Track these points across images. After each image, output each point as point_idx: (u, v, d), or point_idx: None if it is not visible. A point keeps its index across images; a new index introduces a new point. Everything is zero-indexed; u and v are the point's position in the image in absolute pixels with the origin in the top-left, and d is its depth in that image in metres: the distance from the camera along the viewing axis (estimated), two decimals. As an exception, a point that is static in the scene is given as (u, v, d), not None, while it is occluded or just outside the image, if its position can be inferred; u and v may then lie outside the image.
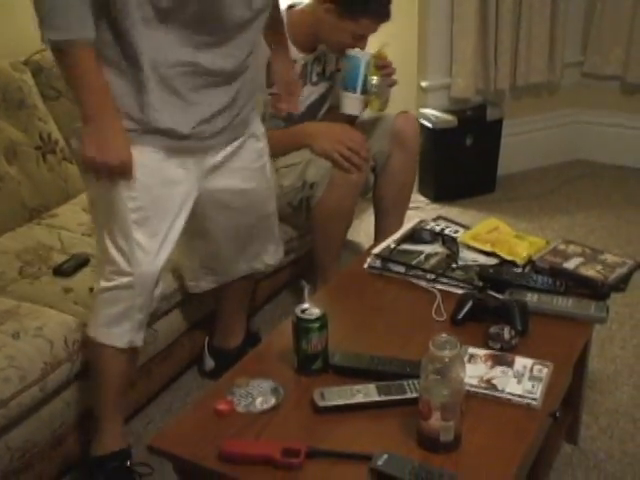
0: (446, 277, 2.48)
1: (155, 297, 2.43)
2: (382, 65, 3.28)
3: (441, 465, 1.73)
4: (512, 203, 4.76)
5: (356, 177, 3.09)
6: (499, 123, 4.79)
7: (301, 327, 2.04)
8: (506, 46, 4.69)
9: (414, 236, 2.70)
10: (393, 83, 3.37)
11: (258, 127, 2.66)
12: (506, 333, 2.14)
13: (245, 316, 3.19)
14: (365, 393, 1.94)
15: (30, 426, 2.41)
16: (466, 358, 2.05)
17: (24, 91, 3.18)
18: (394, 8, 3.18)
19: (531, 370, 2.03)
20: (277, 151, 3.27)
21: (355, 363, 2.07)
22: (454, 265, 2.54)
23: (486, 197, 4.85)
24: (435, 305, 2.37)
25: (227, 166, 2.53)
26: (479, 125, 4.71)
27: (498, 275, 2.46)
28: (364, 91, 3.22)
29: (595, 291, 2.41)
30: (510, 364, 2.05)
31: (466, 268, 2.53)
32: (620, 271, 2.47)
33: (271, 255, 2.92)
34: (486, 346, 2.15)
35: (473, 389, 1.95)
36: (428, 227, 2.77)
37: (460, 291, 2.41)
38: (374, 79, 3.24)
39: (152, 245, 2.34)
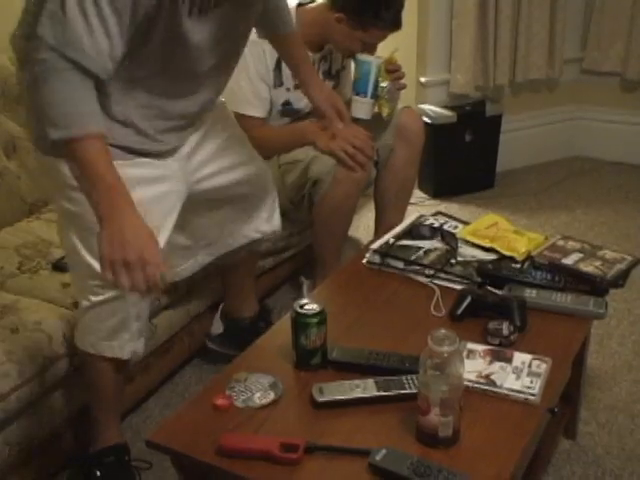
0: (445, 273, 2.48)
1: (151, 301, 2.42)
2: (392, 69, 3.30)
3: (439, 460, 1.73)
4: (511, 199, 4.76)
5: (359, 175, 3.09)
6: (498, 119, 4.79)
7: (300, 322, 2.04)
8: (505, 42, 4.69)
9: (413, 231, 2.70)
10: (403, 87, 3.41)
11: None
12: (505, 329, 2.14)
13: (253, 287, 3.20)
14: (364, 388, 1.94)
15: (29, 421, 2.41)
16: (465, 354, 2.05)
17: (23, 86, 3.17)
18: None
19: (530, 366, 2.03)
20: (281, 148, 3.28)
21: (354, 358, 2.07)
22: (453, 261, 2.53)
23: (485, 193, 4.85)
24: (434, 300, 2.37)
25: (204, 153, 2.51)
26: (478, 121, 4.71)
27: (497, 271, 2.46)
28: (374, 95, 3.24)
29: (594, 287, 2.41)
30: (509, 360, 2.05)
31: (465, 264, 2.53)
32: (619, 267, 2.47)
33: (264, 222, 2.90)
34: (485, 342, 2.15)
35: (472, 384, 1.95)
36: (427, 223, 2.78)
37: (459, 287, 2.41)
38: (385, 84, 3.26)
39: None
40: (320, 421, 1.90)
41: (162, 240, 2.26)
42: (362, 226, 4.27)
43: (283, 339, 2.13)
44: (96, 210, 1.84)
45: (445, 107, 4.67)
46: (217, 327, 3.22)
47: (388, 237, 2.66)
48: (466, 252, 2.59)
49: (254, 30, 2.54)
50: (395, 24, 3.18)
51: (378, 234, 2.93)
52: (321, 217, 3.26)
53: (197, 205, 2.58)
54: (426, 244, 2.63)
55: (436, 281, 2.47)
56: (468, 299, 2.29)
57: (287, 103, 3.30)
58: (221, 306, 3.22)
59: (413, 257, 2.55)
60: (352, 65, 3.46)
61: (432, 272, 2.49)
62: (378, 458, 1.71)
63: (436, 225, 2.75)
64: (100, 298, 2.29)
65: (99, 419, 2.52)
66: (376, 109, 3.32)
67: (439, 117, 4.57)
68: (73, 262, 2.36)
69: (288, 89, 3.23)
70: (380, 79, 3.25)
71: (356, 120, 3.17)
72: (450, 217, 2.88)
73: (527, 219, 4.45)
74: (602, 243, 2.75)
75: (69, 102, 1.81)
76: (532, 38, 4.80)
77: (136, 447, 2.59)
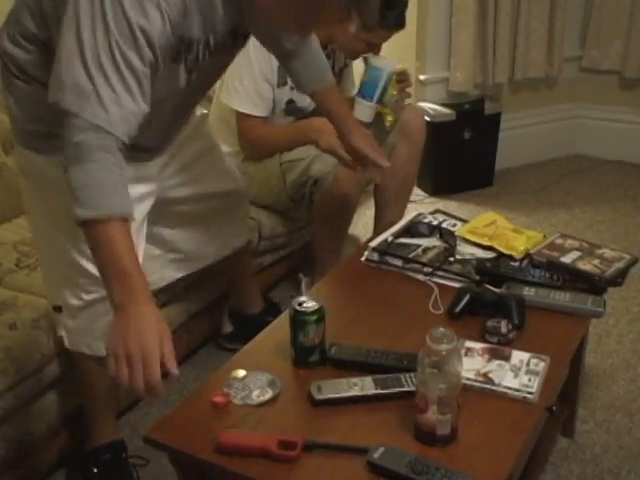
0: (443, 271, 2.48)
1: None
2: (401, 79, 3.31)
3: (437, 458, 1.73)
4: (510, 197, 4.76)
5: (360, 174, 3.09)
6: (497, 117, 4.79)
7: (298, 320, 2.04)
8: (504, 40, 4.69)
9: (412, 229, 2.70)
10: (408, 96, 3.41)
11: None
12: (503, 327, 2.14)
13: (254, 286, 3.24)
14: (362, 386, 1.94)
15: (26, 418, 2.41)
16: (463, 352, 2.05)
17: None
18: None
19: (528, 364, 2.03)
20: (282, 146, 3.27)
21: (352, 356, 2.07)
22: (451, 259, 2.53)
23: (484, 191, 4.85)
24: (432, 298, 2.37)
25: (177, 162, 2.51)
26: (477, 119, 4.71)
27: (495, 269, 2.46)
28: (379, 101, 3.24)
29: (592, 285, 2.41)
30: (507, 358, 2.05)
31: (463, 262, 2.52)
32: (617, 265, 2.47)
33: (235, 237, 2.92)
34: (483, 340, 2.15)
35: (470, 383, 1.95)
36: (426, 220, 2.77)
37: (457, 285, 2.41)
38: (394, 95, 3.26)
39: None
40: (318, 419, 1.90)
41: (142, 243, 2.31)
42: (361, 223, 4.27)
43: (281, 337, 2.13)
44: (110, 296, 1.77)
45: (444, 105, 4.68)
46: (227, 327, 3.26)
47: (387, 235, 2.66)
48: (465, 250, 2.59)
49: None
50: (399, 24, 3.19)
51: (377, 231, 2.93)
52: (321, 216, 3.27)
53: (168, 216, 2.58)
54: (425, 242, 2.63)
55: (434, 279, 2.47)
56: (466, 297, 2.28)
57: (291, 102, 3.30)
58: (227, 305, 3.24)
59: (412, 255, 2.55)
60: (353, 64, 3.47)
61: (430, 270, 2.49)
62: (376, 456, 1.71)
63: (435, 223, 2.75)
64: (92, 297, 2.28)
65: (94, 417, 2.53)
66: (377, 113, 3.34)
67: (438, 115, 4.57)
68: (57, 262, 2.32)
69: (292, 88, 3.23)
70: (390, 88, 3.25)
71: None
72: (449, 215, 2.88)
73: (526, 217, 4.46)
74: (600, 241, 2.76)
75: (98, 184, 1.77)
76: (531, 36, 4.80)
77: (133, 444, 2.59)
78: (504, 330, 2.14)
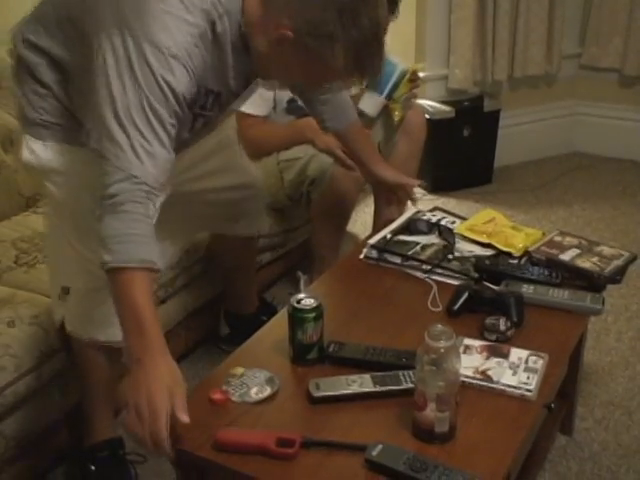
0: (442, 268, 2.48)
1: None
2: (413, 79, 3.31)
3: (436, 456, 1.73)
4: (509, 194, 4.76)
5: (358, 174, 3.09)
6: (496, 114, 4.79)
7: (297, 317, 2.04)
8: (504, 37, 4.69)
9: (410, 227, 2.70)
10: (415, 96, 3.41)
11: None
12: (502, 324, 2.14)
13: (253, 284, 3.24)
14: (360, 383, 1.94)
15: (25, 415, 2.41)
16: (461, 349, 2.05)
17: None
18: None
19: (526, 361, 2.03)
20: (280, 145, 3.28)
21: (351, 353, 2.07)
22: (450, 256, 2.53)
23: (483, 188, 4.85)
24: (431, 296, 2.37)
25: (189, 157, 2.51)
26: (476, 116, 4.71)
27: (494, 266, 2.46)
28: (388, 97, 3.24)
29: (591, 283, 2.41)
30: (505, 355, 2.05)
31: (462, 259, 2.52)
32: (616, 263, 2.47)
33: (243, 227, 2.91)
34: (482, 337, 2.15)
35: (468, 380, 1.95)
36: (425, 218, 2.77)
37: (456, 282, 2.41)
38: (405, 92, 3.26)
39: None
40: (316, 416, 1.90)
41: None
42: (360, 221, 4.27)
43: (280, 334, 2.13)
44: (127, 346, 1.83)
45: (443, 102, 4.68)
46: (224, 329, 3.26)
47: (386, 232, 2.66)
48: (463, 247, 2.59)
49: None
50: (390, 10, 3.16)
51: (376, 229, 2.93)
52: (319, 214, 3.27)
53: (178, 203, 2.58)
54: (423, 239, 2.63)
55: (433, 276, 2.47)
56: (465, 294, 2.28)
57: (292, 100, 3.30)
58: (223, 307, 3.23)
59: (410, 252, 2.55)
60: None
61: (429, 267, 2.49)
62: (374, 453, 1.71)
63: (433, 220, 2.75)
64: (94, 284, 2.28)
65: (92, 413, 2.54)
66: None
67: (437, 112, 4.57)
68: (59, 246, 2.36)
69: None
70: (401, 85, 3.25)
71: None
72: (448, 212, 2.88)
73: (525, 214, 4.46)
74: (599, 239, 2.76)
75: (127, 234, 1.84)
76: (531, 33, 4.81)
77: (132, 441, 2.58)
78: (503, 328, 2.14)
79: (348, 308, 2.35)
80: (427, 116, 4.36)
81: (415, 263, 2.52)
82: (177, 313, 3.00)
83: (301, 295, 2.07)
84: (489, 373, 1.99)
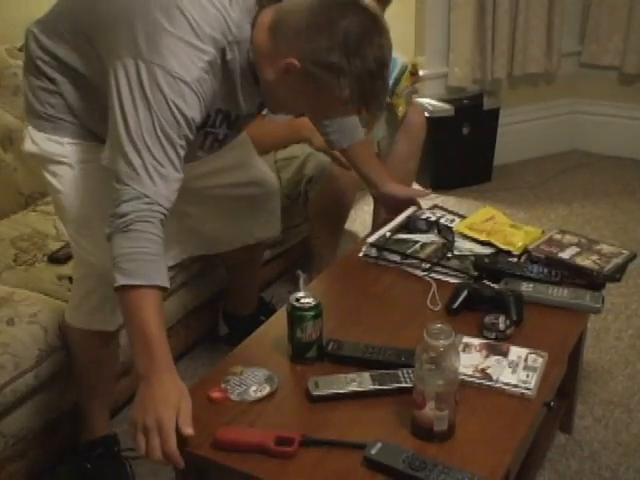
0: (441, 266, 2.48)
1: None
2: (413, 72, 3.31)
3: (435, 454, 1.73)
4: (508, 192, 4.76)
5: (355, 172, 3.09)
6: (496, 112, 4.79)
7: (296, 316, 2.03)
8: (503, 35, 4.69)
9: (410, 225, 2.69)
10: (416, 91, 3.42)
11: None
12: (501, 323, 2.14)
13: (256, 285, 3.26)
14: (359, 382, 1.93)
15: (25, 413, 2.41)
16: (461, 347, 2.05)
17: (20, 77, 3.16)
18: (391, -3, 3.18)
19: (526, 360, 2.03)
20: (277, 144, 3.28)
21: (350, 352, 2.06)
22: (449, 254, 2.53)
23: (482, 186, 4.86)
24: (430, 294, 2.36)
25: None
26: (476, 114, 4.71)
27: (493, 265, 2.45)
28: (391, 93, 3.23)
29: (590, 281, 2.41)
30: (505, 354, 2.05)
31: (461, 257, 2.52)
32: (616, 261, 2.47)
33: (260, 228, 2.92)
34: (481, 336, 2.14)
35: (467, 379, 1.95)
36: (424, 216, 2.77)
37: (455, 280, 2.41)
38: (407, 86, 3.26)
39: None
40: (316, 415, 1.89)
41: None
42: (359, 219, 4.27)
43: (279, 332, 2.12)
44: (135, 362, 1.86)
45: (443, 100, 4.68)
46: (222, 329, 3.28)
47: (385, 230, 2.66)
48: (463, 246, 2.59)
49: None
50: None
51: (375, 227, 2.93)
52: (317, 213, 3.28)
53: (194, 196, 2.57)
54: (423, 238, 2.63)
55: (432, 275, 2.46)
56: (464, 293, 2.28)
57: None
58: (221, 306, 3.25)
59: (409, 251, 2.55)
60: None
61: (428, 266, 2.48)
62: (373, 452, 1.71)
63: (433, 219, 2.75)
64: (83, 271, 2.37)
65: (88, 410, 2.56)
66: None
67: (437, 110, 4.58)
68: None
69: None
70: (403, 79, 3.25)
71: None
72: (447, 211, 2.88)
73: (524, 213, 4.46)
74: (599, 237, 2.76)
75: (138, 253, 1.88)
76: (530, 31, 4.81)
77: (130, 438, 2.58)
78: (502, 326, 2.13)
79: (347, 306, 2.35)
80: (426, 114, 4.37)
81: (414, 261, 2.51)
82: (176, 311, 3.00)
83: (300, 293, 2.07)
84: (488, 371, 1.99)
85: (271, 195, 2.88)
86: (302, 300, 2.04)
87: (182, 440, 1.75)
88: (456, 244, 2.59)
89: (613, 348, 3.22)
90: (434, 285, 2.41)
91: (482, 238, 2.60)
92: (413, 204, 2.82)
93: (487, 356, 2.04)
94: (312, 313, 2.02)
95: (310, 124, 3.10)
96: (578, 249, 2.53)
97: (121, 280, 1.86)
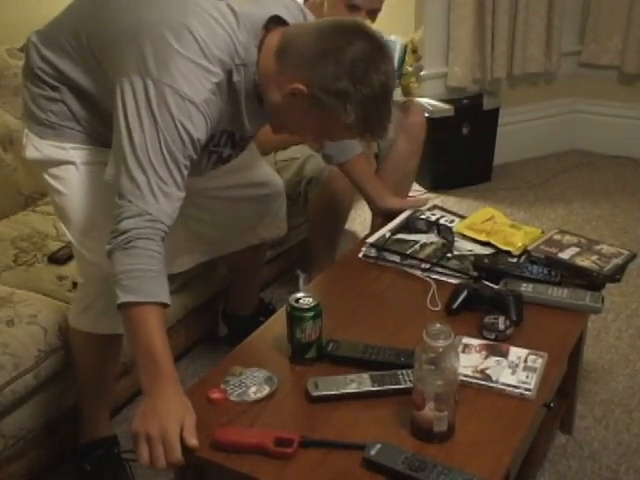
0: (441, 267, 2.47)
1: None
2: (414, 50, 3.31)
3: (434, 455, 1.73)
4: (508, 192, 4.76)
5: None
6: (496, 112, 4.79)
7: (295, 316, 2.03)
8: (503, 35, 4.69)
9: (409, 225, 2.69)
10: (421, 68, 3.43)
11: None
12: (501, 323, 2.14)
13: (257, 286, 3.27)
14: (359, 383, 1.93)
15: (24, 413, 2.41)
16: (460, 348, 2.05)
17: (20, 78, 3.16)
18: (390, -3, 3.17)
19: (525, 360, 2.02)
20: (277, 145, 3.27)
21: (349, 352, 2.06)
22: (449, 255, 2.53)
23: (482, 186, 4.85)
24: (430, 294, 2.36)
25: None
26: (476, 114, 4.71)
27: (493, 265, 2.45)
28: (399, 74, 3.23)
29: (590, 281, 2.41)
30: (504, 354, 2.05)
31: (461, 258, 2.52)
32: (616, 261, 2.47)
33: (265, 228, 2.92)
34: (480, 336, 2.14)
35: (467, 379, 1.95)
36: (423, 216, 2.77)
37: (455, 281, 2.41)
38: (413, 63, 3.26)
39: None
40: (315, 415, 1.89)
41: None
42: (359, 219, 4.27)
43: (278, 333, 2.12)
44: (140, 378, 1.87)
45: (442, 100, 4.68)
46: (222, 330, 3.28)
47: (384, 231, 2.66)
48: (462, 246, 2.59)
49: None
50: None
51: (374, 227, 2.93)
52: (315, 214, 3.28)
53: (199, 199, 2.57)
54: (422, 238, 2.63)
55: (432, 275, 2.46)
56: (464, 293, 2.28)
57: None
58: (221, 307, 3.25)
59: (409, 251, 2.55)
60: None
61: (428, 266, 2.48)
62: (373, 453, 1.71)
63: (432, 219, 2.75)
64: (89, 271, 2.36)
65: (88, 412, 2.55)
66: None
67: (436, 110, 4.57)
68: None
69: None
70: (407, 58, 3.25)
71: None
72: (446, 211, 2.88)
73: (524, 212, 4.46)
74: (599, 237, 2.76)
75: (140, 270, 1.89)
76: (530, 31, 4.81)
77: (129, 439, 2.58)
78: (502, 326, 2.13)
79: (347, 307, 2.35)
80: (426, 114, 4.37)
81: (414, 262, 2.51)
82: (176, 311, 2.99)
83: (300, 294, 2.07)
84: (488, 372, 1.98)
85: (276, 195, 2.88)
86: (301, 300, 2.04)
87: (185, 450, 1.75)
88: (456, 244, 2.59)
89: (613, 348, 3.22)
90: (434, 285, 2.41)
91: (482, 238, 2.60)
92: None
93: (487, 357, 2.04)
94: (311, 313, 2.02)
95: None
96: (578, 249, 2.53)
97: (123, 297, 1.87)
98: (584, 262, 2.45)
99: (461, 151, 4.76)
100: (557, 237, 2.61)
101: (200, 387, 2.00)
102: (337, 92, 1.96)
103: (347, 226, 3.69)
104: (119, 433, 2.62)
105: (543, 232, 2.67)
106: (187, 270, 2.86)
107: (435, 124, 4.44)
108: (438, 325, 1.75)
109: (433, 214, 2.80)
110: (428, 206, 2.89)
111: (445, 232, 2.64)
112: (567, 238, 2.60)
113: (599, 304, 2.30)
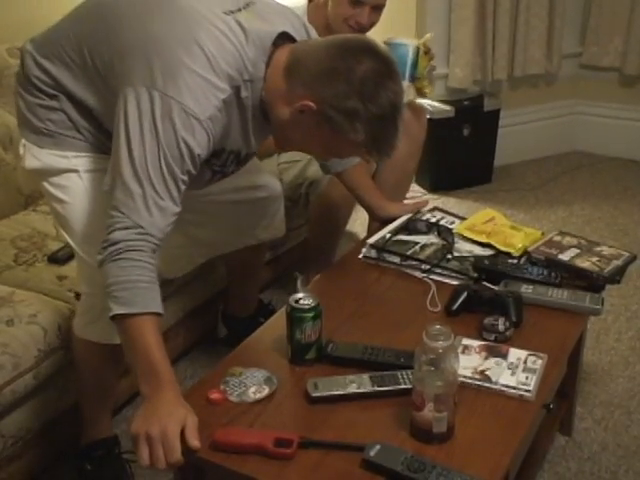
0: (441, 268, 2.48)
1: None
2: (427, 51, 3.31)
3: (434, 456, 1.73)
4: (508, 194, 4.76)
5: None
6: (496, 113, 4.79)
7: (295, 317, 2.03)
8: (504, 36, 4.69)
9: (409, 226, 2.69)
10: (433, 68, 3.42)
11: None
12: (500, 324, 2.14)
13: (256, 287, 3.26)
14: (358, 383, 1.94)
15: (23, 413, 2.41)
16: (460, 349, 2.05)
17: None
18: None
19: (525, 362, 2.03)
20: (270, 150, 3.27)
21: (349, 353, 2.06)
22: (449, 256, 2.53)
23: (483, 187, 4.85)
24: (430, 296, 2.36)
25: None
26: (476, 115, 4.71)
27: (493, 266, 2.45)
28: (412, 79, 3.23)
29: (590, 283, 2.41)
30: (504, 355, 2.05)
31: (461, 259, 2.52)
32: (616, 263, 2.47)
33: (263, 230, 2.91)
34: (480, 337, 2.14)
35: (467, 380, 1.95)
36: (424, 218, 2.77)
37: (455, 282, 2.41)
38: (426, 65, 3.26)
39: None
40: (314, 416, 1.89)
41: None
42: (359, 220, 4.25)
43: (278, 334, 2.12)
44: (139, 384, 1.87)
45: (443, 101, 4.68)
46: (222, 331, 3.27)
47: (385, 232, 2.66)
48: (462, 247, 2.59)
49: None
50: None
51: (372, 228, 2.93)
52: (315, 218, 3.29)
53: (195, 202, 2.57)
54: (422, 239, 2.63)
55: (432, 276, 2.46)
56: (464, 294, 2.28)
57: None
58: (220, 308, 3.25)
59: (409, 252, 2.55)
60: None
61: (428, 267, 2.48)
62: (372, 454, 1.71)
63: (433, 220, 2.75)
64: (93, 288, 2.32)
65: (90, 413, 2.55)
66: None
67: (437, 111, 4.57)
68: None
69: None
70: (420, 60, 3.25)
71: None
72: (447, 212, 2.88)
73: (524, 214, 4.46)
74: (599, 238, 2.76)
75: (132, 281, 1.90)
76: (531, 33, 4.80)
77: (129, 439, 2.58)
78: (502, 328, 2.13)
79: (347, 308, 2.34)
80: (427, 115, 4.37)
81: (414, 263, 2.51)
82: (176, 312, 2.99)
83: (300, 294, 2.07)
84: (488, 373, 1.99)
85: (274, 198, 2.87)
86: (301, 301, 2.04)
87: (184, 450, 1.74)
88: (456, 246, 2.59)
89: (613, 350, 3.22)
90: (434, 286, 2.41)
91: (482, 240, 2.60)
92: None
93: (486, 358, 2.05)
94: (311, 314, 2.02)
95: None
96: (578, 251, 2.53)
97: (117, 309, 1.88)
98: (584, 264, 2.45)
99: (461, 152, 4.76)
100: (557, 238, 2.61)
101: (199, 387, 2.01)
102: (346, 110, 1.97)
103: (347, 227, 3.68)
104: (119, 433, 2.61)
105: (543, 233, 2.67)
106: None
107: (436, 125, 4.43)
108: (438, 326, 1.76)
109: (433, 215, 2.81)
110: (428, 207, 2.89)
111: (445, 233, 2.65)
112: (567, 240, 2.60)
113: (599, 306, 2.31)
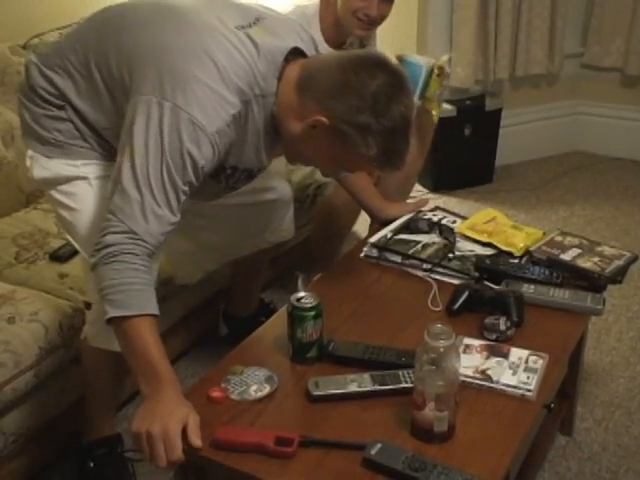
0: (442, 267, 2.47)
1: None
2: (440, 74, 3.30)
3: (434, 455, 1.73)
4: (510, 194, 4.76)
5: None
6: (498, 113, 4.78)
7: (296, 316, 2.03)
8: (506, 36, 4.69)
9: (411, 226, 2.69)
10: (445, 90, 3.42)
11: None
12: (502, 324, 2.14)
13: (258, 287, 3.27)
14: (359, 382, 1.94)
15: (25, 411, 2.41)
16: (461, 349, 2.05)
17: (22, 75, 3.16)
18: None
19: (526, 361, 2.03)
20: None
21: (350, 352, 2.06)
22: (451, 255, 2.53)
23: (484, 187, 4.85)
24: (431, 295, 2.36)
25: None
26: (478, 115, 4.71)
27: (494, 266, 2.45)
28: (420, 98, 3.22)
29: (592, 283, 2.41)
30: (505, 355, 2.05)
31: (463, 258, 2.52)
32: (617, 263, 2.47)
33: (272, 232, 2.91)
34: (481, 337, 2.14)
35: (468, 380, 1.95)
36: (425, 217, 2.77)
37: (456, 281, 2.41)
38: (437, 88, 3.25)
39: None
40: (315, 415, 1.89)
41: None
42: (361, 219, 4.25)
43: (279, 332, 2.12)
44: (140, 385, 1.88)
45: (445, 101, 4.66)
46: (223, 329, 3.28)
47: (386, 231, 2.66)
48: (464, 247, 2.59)
49: None
50: None
51: (373, 227, 2.93)
52: (319, 220, 3.29)
53: (203, 206, 2.58)
54: (424, 238, 2.63)
55: (433, 275, 2.46)
56: (465, 294, 2.28)
57: None
58: (222, 307, 3.26)
59: (411, 251, 2.55)
60: None
61: (430, 266, 2.48)
62: (373, 453, 1.71)
63: (434, 220, 2.75)
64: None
65: (93, 411, 2.54)
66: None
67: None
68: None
69: None
70: (432, 82, 3.24)
71: None
72: (448, 212, 2.88)
73: (526, 214, 4.45)
74: (600, 239, 2.76)
75: (126, 284, 1.89)
76: (533, 32, 4.80)
77: (130, 438, 2.58)
78: (503, 327, 2.13)
79: (348, 307, 2.35)
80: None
81: (415, 262, 2.51)
82: (177, 311, 2.99)
83: (301, 293, 2.07)
84: (489, 373, 1.99)
85: (283, 202, 2.88)
86: (303, 300, 2.04)
87: (185, 448, 1.75)
88: (457, 245, 2.59)
89: (614, 350, 3.22)
90: (435, 286, 2.41)
91: (483, 239, 2.60)
92: None
93: (488, 357, 2.05)
94: (313, 313, 2.03)
95: None
96: (579, 251, 2.53)
97: (113, 312, 1.88)
98: (585, 263, 2.45)
99: (463, 152, 4.75)
100: (559, 238, 2.61)
101: (200, 386, 2.01)
102: (359, 125, 1.97)
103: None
104: (120, 431, 2.61)
105: (545, 233, 2.67)
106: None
107: (437, 125, 4.43)
108: (439, 325, 1.76)
109: (435, 215, 2.80)
110: (430, 207, 2.89)
111: (447, 233, 2.65)
112: (569, 239, 2.60)
113: (600, 306, 2.31)
